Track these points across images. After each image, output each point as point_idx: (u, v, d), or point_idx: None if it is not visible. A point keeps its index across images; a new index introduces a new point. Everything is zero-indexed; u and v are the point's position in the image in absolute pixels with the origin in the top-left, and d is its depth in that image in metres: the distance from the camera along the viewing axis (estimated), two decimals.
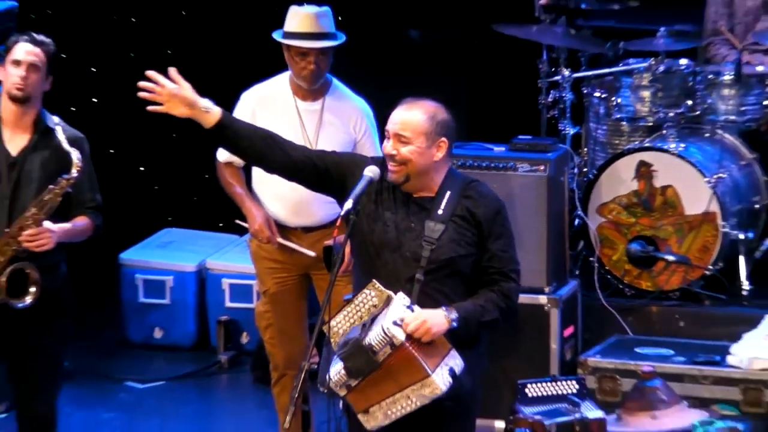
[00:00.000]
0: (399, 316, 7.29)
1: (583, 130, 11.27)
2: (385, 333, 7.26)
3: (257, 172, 9.25)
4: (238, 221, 9.54)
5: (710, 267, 10.62)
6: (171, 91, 7.36)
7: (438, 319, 7.31)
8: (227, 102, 9.21)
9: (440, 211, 7.49)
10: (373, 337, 7.29)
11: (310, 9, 9.26)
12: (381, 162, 7.51)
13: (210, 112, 7.40)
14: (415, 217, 7.49)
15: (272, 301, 9.24)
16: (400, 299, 7.33)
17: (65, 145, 8.55)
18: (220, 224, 11.42)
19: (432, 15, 11.97)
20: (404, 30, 11.89)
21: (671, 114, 10.88)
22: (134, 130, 12.33)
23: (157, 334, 11.48)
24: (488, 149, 10.41)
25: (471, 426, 7.71)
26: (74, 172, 8.52)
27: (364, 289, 7.36)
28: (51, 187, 8.52)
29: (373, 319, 7.33)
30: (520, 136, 10.55)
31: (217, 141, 7.55)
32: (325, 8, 9.25)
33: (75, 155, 8.52)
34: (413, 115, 7.47)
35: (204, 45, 12.29)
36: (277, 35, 9.18)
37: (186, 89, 7.37)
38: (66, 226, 8.61)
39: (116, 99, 12.29)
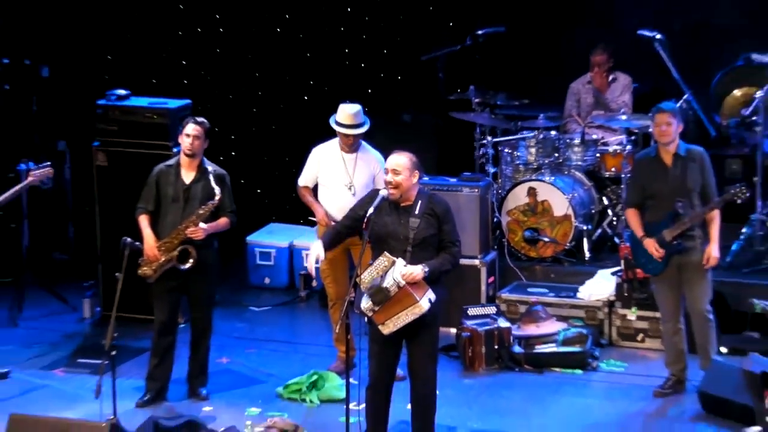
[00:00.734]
0: (400, 271, 7.35)
1: (498, 170, 11.11)
2: (394, 280, 7.34)
3: (321, 192, 9.18)
4: (310, 218, 9.44)
5: (568, 244, 10.55)
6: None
7: (418, 270, 7.38)
8: (305, 149, 9.34)
9: (416, 212, 7.53)
10: (387, 282, 7.36)
11: (351, 109, 8.96)
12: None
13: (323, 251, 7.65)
14: (403, 217, 7.52)
15: (329, 262, 9.05)
16: (400, 262, 7.39)
17: (213, 184, 8.51)
18: (301, 221, 11.31)
19: (416, 105, 11.83)
20: (401, 113, 11.82)
21: (546, 161, 10.80)
22: (255, 170, 12.21)
23: (266, 280, 11.29)
24: (447, 180, 10.31)
25: (437, 330, 7.70)
26: (216, 200, 8.50)
27: (379, 257, 7.42)
28: (203, 206, 8.50)
29: (385, 274, 7.38)
30: (465, 173, 10.46)
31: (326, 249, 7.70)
32: (359, 107, 9.00)
33: (217, 191, 8.51)
34: (400, 159, 7.56)
35: (291, 123, 12.13)
36: (331, 121, 9.02)
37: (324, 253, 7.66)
38: (212, 224, 8.56)
39: (245, 153, 12.24)
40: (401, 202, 7.56)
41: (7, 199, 8.85)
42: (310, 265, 7.71)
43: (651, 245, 8.50)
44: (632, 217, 8.65)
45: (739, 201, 8.59)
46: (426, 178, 10.09)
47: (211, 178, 8.54)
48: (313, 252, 7.66)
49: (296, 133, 11.79)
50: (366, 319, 7.52)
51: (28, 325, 10.27)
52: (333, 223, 9.01)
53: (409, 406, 7.76)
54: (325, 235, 7.86)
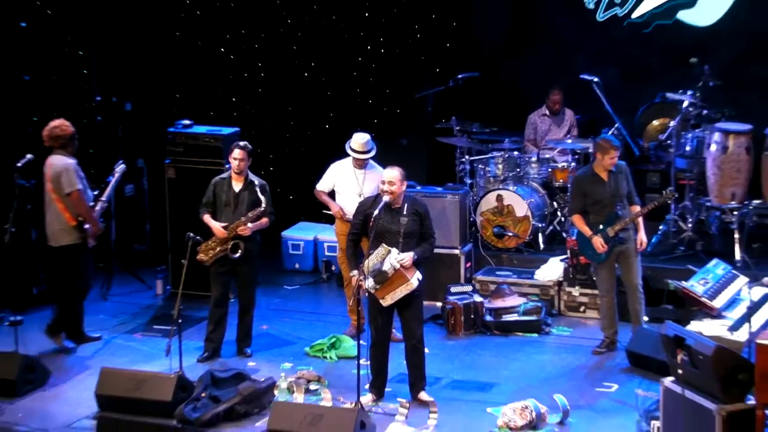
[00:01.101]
0: (396, 258, 7.35)
1: (474, 181, 10.96)
2: (391, 264, 7.34)
3: (337, 198, 9.08)
4: (325, 211, 9.37)
5: (527, 238, 10.43)
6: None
7: (410, 255, 7.42)
8: (325, 164, 9.23)
9: (405, 212, 7.56)
10: (386, 266, 7.36)
11: (362, 139, 8.86)
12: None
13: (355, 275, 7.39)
14: (395, 217, 7.54)
15: (343, 252, 8.88)
16: (395, 251, 7.39)
17: (259, 194, 8.47)
18: (323, 220, 11.23)
19: (411, 132, 11.67)
20: (399, 138, 11.70)
21: (510, 174, 10.69)
22: (288, 181, 12.06)
23: (297, 266, 11.13)
24: (435, 188, 10.17)
25: (422, 301, 7.71)
26: (262, 207, 8.46)
27: (378, 248, 7.41)
28: (251, 211, 8.46)
29: (383, 260, 7.37)
30: (448, 183, 10.39)
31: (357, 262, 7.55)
32: (368, 137, 8.92)
33: (263, 199, 8.46)
34: (394, 173, 7.58)
35: (316, 145, 11.97)
36: (347, 146, 8.95)
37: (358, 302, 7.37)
38: (256, 223, 8.51)
39: (281, 168, 12.11)
40: (393, 205, 7.57)
41: (110, 194, 8.98)
42: (354, 282, 7.45)
43: (598, 242, 8.55)
44: (578, 221, 8.70)
45: (670, 201, 8.77)
46: (418, 188, 10.09)
47: (258, 189, 8.50)
48: (355, 280, 7.48)
49: (319, 152, 11.69)
50: (367, 294, 7.51)
51: (115, 300, 10.22)
52: (346, 217, 8.94)
53: (405, 362, 7.78)
54: (348, 256, 7.69)
